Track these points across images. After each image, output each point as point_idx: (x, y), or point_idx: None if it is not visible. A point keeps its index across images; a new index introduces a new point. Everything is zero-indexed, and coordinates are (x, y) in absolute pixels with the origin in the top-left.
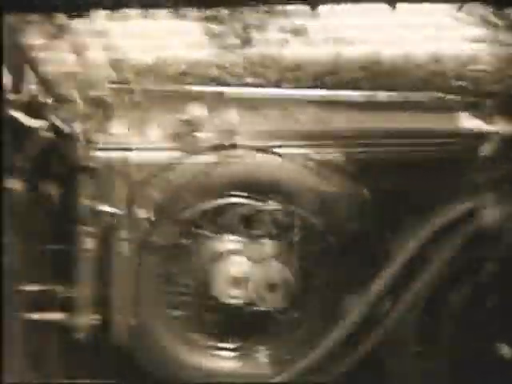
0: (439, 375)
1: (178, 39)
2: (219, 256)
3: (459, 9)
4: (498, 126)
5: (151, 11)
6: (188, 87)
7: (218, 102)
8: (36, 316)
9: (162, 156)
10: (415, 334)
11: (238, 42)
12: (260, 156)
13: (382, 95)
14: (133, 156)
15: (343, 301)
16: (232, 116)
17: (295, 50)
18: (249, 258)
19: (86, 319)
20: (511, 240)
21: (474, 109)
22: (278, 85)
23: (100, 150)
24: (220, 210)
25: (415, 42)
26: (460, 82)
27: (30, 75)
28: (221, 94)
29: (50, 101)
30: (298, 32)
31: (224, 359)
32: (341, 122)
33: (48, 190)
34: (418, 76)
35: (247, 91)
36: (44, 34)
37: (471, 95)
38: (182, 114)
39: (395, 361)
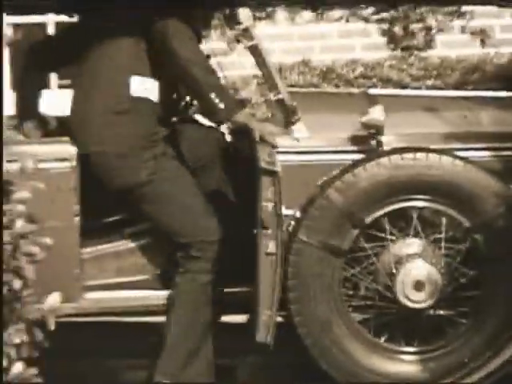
0: None
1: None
2: (401, 259)
3: None
4: None
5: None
6: (366, 89)
7: (396, 105)
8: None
9: (344, 158)
10: None
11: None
12: (439, 158)
13: None
14: (315, 158)
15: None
16: (410, 118)
17: (477, 51)
18: (428, 262)
19: (269, 320)
20: None
21: None
22: (457, 86)
23: (282, 153)
24: (401, 213)
25: None
26: None
27: None
28: (399, 96)
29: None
30: (481, 33)
31: (406, 363)
32: None
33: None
34: None
35: (426, 93)
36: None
37: None
38: (363, 116)
39: None
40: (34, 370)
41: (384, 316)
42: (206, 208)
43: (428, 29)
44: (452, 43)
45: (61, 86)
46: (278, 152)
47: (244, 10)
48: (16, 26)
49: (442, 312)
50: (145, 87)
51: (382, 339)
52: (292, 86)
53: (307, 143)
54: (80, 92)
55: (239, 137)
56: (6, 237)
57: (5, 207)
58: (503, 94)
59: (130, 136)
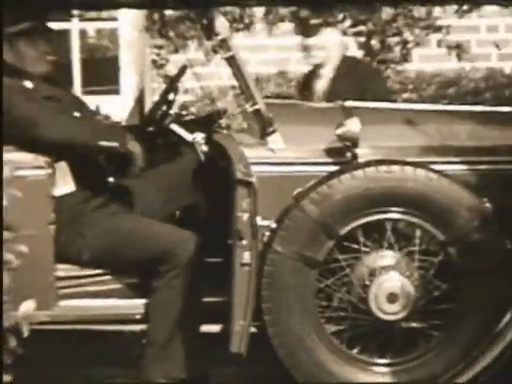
0: None
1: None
2: (375, 271)
3: None
4: None
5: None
6: (342, 102)
7: (372, 118)
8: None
9: (319, 170)
10: None
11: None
12: (414, 171)
13: None
14: (290, 170)
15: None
16: (386, 131)
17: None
18: (402, 274)
19: (243, 330)
20: None
21: None
22: (433, 100)
23: (257, 164)
24: (376, 225)
25: None
26: None
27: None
28: (375, 109)
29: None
30: (457, 47)
31: (379, 374)
32: (498, 136)
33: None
34: None
35: (402, 106)
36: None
37: None
38: (339, 128)
39: None
40: (7, 377)
41: (357, 327)
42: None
43: (405, 42)
44: (428, 57)
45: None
46: (254, 163)
47: (221, 20)
48: None
49: (415, 324)
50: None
51: (355, 351)
52: (268, 97)
53: (283, 154)
54: None
55: (214, 148)
56: None
57: None
58: (478, 108)
59: None
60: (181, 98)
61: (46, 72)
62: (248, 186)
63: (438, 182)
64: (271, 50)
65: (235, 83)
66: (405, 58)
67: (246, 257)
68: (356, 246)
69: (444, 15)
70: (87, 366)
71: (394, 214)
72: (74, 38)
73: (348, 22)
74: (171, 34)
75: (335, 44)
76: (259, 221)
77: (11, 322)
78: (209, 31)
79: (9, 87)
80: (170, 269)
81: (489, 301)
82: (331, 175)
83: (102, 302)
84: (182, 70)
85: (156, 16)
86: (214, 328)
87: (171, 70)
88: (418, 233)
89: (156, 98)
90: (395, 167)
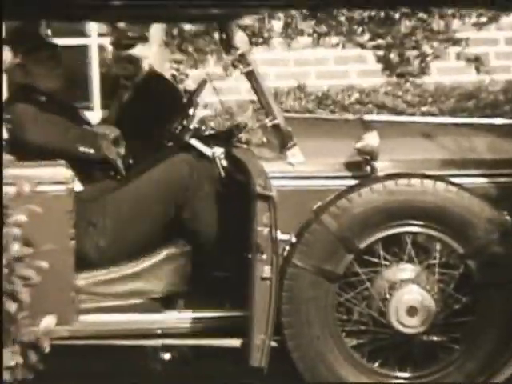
0: None
1: (352, 67)
2: (395, 285)
3: None
4: None
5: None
6: (362, 116)
7: (391, 131)
8: (214, 342)
9: (339, 184)
10: None
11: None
12: (433, 185)
13: None
14: (309, 184)
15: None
16: (405, 144)
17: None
18: (422, 287)
19: (263, 344)
20: None
21: None
22: (452, 113)
23: (277, 178)
24: (395, 239)
25: None
26: None
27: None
28: (394, 122)
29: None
30: (476, 60)
31: None
32: None
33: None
34: None
35: (421, 120)
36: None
37: None
38: (358, 142)
39: None
40: None
41: (378, 341)
42: None
43: (423, 55)
44: (447, 70)
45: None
46: (273, 177)
47: (240, 35)
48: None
49: (435, 337)
50: None
51: (376, 364)
52: (288, 111)
53: (302, 168)
54: None
55: (233, 162)
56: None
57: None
58: (498, 120)
59: None
60: (200, 113)
61: (57, 87)
62: (268, 200)
63: (458, 195)
64: (290, 63)
65: (254, 98)
66: (423, 70)
67: (266, 271)
68: (376, 260)
69: (462, 28)
70: (107, 380)
71: (414, 228)
72: (92, 53)
73: (367, 36)
74: (190, 48)
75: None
76: (279, 235)
77: (31, 338)
78: (228, 46)
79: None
80: None
81: (509, 314)
82: (350, 189)
83: (122, 317)
84: (202, 85)
85: (175, 31)
86: (235, 342)
87: (190, 84)
88: (437, 246)
89: None
90: (414, 180)
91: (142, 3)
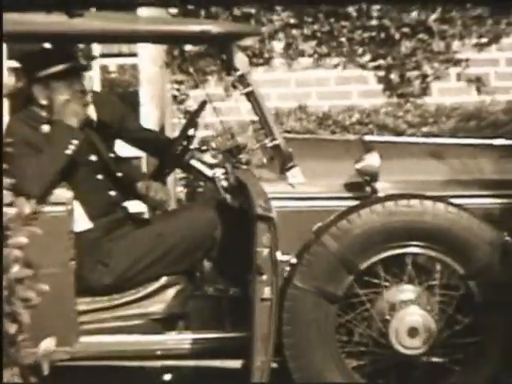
0: None
1: (353, 88)
2: (396, 306)
3: None
4: None
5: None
6: (363, 136)
7: (392, 152)
8: (215, 363)
9: (339, 205)
10: None
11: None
12: (433, 205)
13: None
14: (310, 205)
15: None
16: (406, 165)
17: (473, 99)
18: (423, 308)
19: (264, 365)
20: None
21: None
22: (453, 134)
23: (277, 199)
24: (396, 260)
25: None
26: None
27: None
28: (395, 143)
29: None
30: (477, 80)
31: None
32: None
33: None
34: None
35: (422, 140)
36: (222, 84)
37: None
38: (358, 163)
39: None
40: None
41: (378, 362)
42: None
43: (424, 76)
44: (448, 90)
45: None
46: (274, 198)
47: (240, 56)
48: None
49: (436, 359)
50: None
51: None
52: (288, 131)
53: (302, 189)
54: None
55: (233, 184)
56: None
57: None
58: (499, 141)
59: None
60: (201, 134)
61: (80, 115)
62: (268, 221)
63: (458, 215)
64: (291, 84)
65: (255, 118)
66: (424, 91)
67: (267, 292)
68: (376, 281)
69: (463, 49)
70: None
71: (414, 248)
72: (95, 74)
73: (368, 57)
74: (191, 69)
75: None
76: (279, 256)
77: (31, 360)
78: (228, 66)
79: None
80: None
81: (510, 334)
82: (351, 210)
83: (122, 338)
84: (202, 106)
85: (176, 51)
86: (235, 363)
87: (191, 105)
88: (438, 267)
89: (176, 133)
90: (414, 201)
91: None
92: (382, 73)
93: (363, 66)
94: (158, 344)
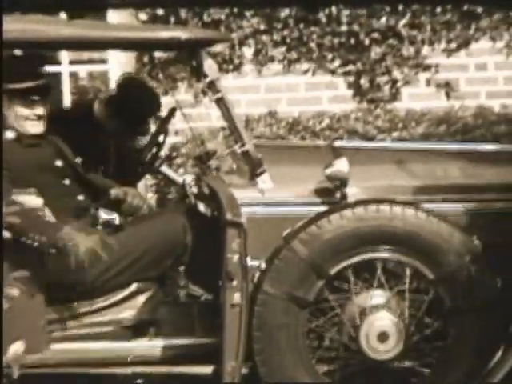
0: None
1: (323, 93)
2: (366, 311)
3: None
4: None
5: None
6: (333, 142)
7: (362, 157)
8: (186, 369)
9: (309, 210)
10: None
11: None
12: (402, 210)
13: None
14: (279, 210)
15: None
16: (376, 171)
17: (442, 104)
18: (393, 313)
19: (234, 371)
20: None
21: None
22: (423, 139)
23: (247, 205)
24: (366, 265)
25: None
26: None
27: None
28: (366, 148)
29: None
30: (446, 86)
31: None
32: (487, 174)
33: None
34: None
35: (392, 146)
36: (192, 90)
37: None
38: (328, 168)
39: None
40: None
41: (349, 367)
42: None
43: (394, 81)
44: (418, 96)
45: None
46: (244, 204)
47: (210, 62)
48: None
49: (406, 363)
50: None
51: None
52: (258, 137)
53: (272, 195)
54: None
55: (203, 190)
56: None
57: None
58: (468, 146)
59: None
60: (171, 140)
61: (38, 133)
62: (238, 227)
63: (427, 220)
64: (261, 90)
65: (225, 124)
66: (394, 96)
67: (237, 298)
68: (346, 286)
69: (432, 54)
70: None
71: (384, 254)
72: (64, 81)
73: (337, 62)
74: (161, 75)
75: None
76: (249, 261)
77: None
78: (198, 73)
79: None
80: None
81: (479, 338)
82: (320, 215)
83: (93, 345)
84: (172, 112)
85: (146, 58)
86: (206, 369)
87: (161, 111)
88: (407, 272)
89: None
90: (384, 207)
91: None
92: (351, 78)
93: (333, 72)
94: (129, 351)
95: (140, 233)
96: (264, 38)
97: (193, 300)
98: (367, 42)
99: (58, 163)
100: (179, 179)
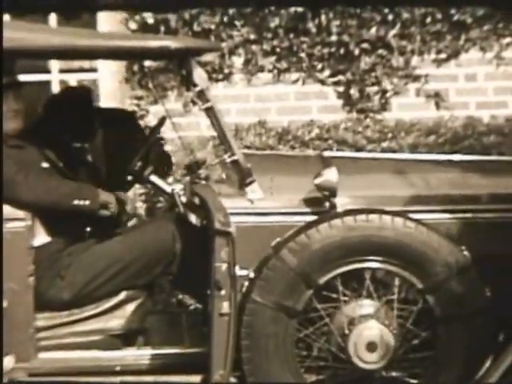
0: None
1: (313, 103)
2: (354, 320)
3: None
4: None
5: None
6: (322, 152)
7: (351, 167)
8: (174, 378)
9: (298, 220)
10: None
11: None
12: (391, 220)
13: None
14: (268, 220)
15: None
16: (365, 180)
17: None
18: (381, 322)
19: (223, 380)
20: None
21: None
22: (413, 149)
23: (236, 214)
24: (354, 274)
25: None
26: None
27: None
28: (355, 158)
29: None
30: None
31: None
32: (477, 185)
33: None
34: None
35: (381, 156)
36: (182, 99)
37: None
38: (317, 178)
39: None
40: None
41: (337, 377)
42: None
43: (383, 91)
44: (407, 106)
45: None
46: (233, 213)
47: (199, 72)
48: None
49: (394, 373)
50: None
51: None
52: (248, 147)
53: (261, 204)
54: None
55: (192, 199)
56: None
57: None
58: (457, 156)
59: None
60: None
61: (17, 128)
62: (227, 236)
63: (416, 230)
64: (251, 99)
65: (214, 134)
66: (384, 106)
67: (225, 307)
68: (335, 296)
69: (422, 64)
70: None
71: (373, 263)
72: (54, 89)
73: (327, 72)
74: (151, 84)
75: None
76: (238, 271)
77: None
78: (188, 82)
79: None
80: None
81: (468, 348)
82: (309, 225)
83: (81, 354)
84: (162, 121)
85: (136, 67)
86: (194, 378)
87: (151, 120)
88: (396, 281)
89: None
90: (373, 216)
91: None
92: (341, 88)
93: (323, 82)
94: (118, 360)
95: (129, 241)
96: (254, 47)
97: (182, 309)
98: (357, 52)
99: (45, 165)
100: (168, 188)
